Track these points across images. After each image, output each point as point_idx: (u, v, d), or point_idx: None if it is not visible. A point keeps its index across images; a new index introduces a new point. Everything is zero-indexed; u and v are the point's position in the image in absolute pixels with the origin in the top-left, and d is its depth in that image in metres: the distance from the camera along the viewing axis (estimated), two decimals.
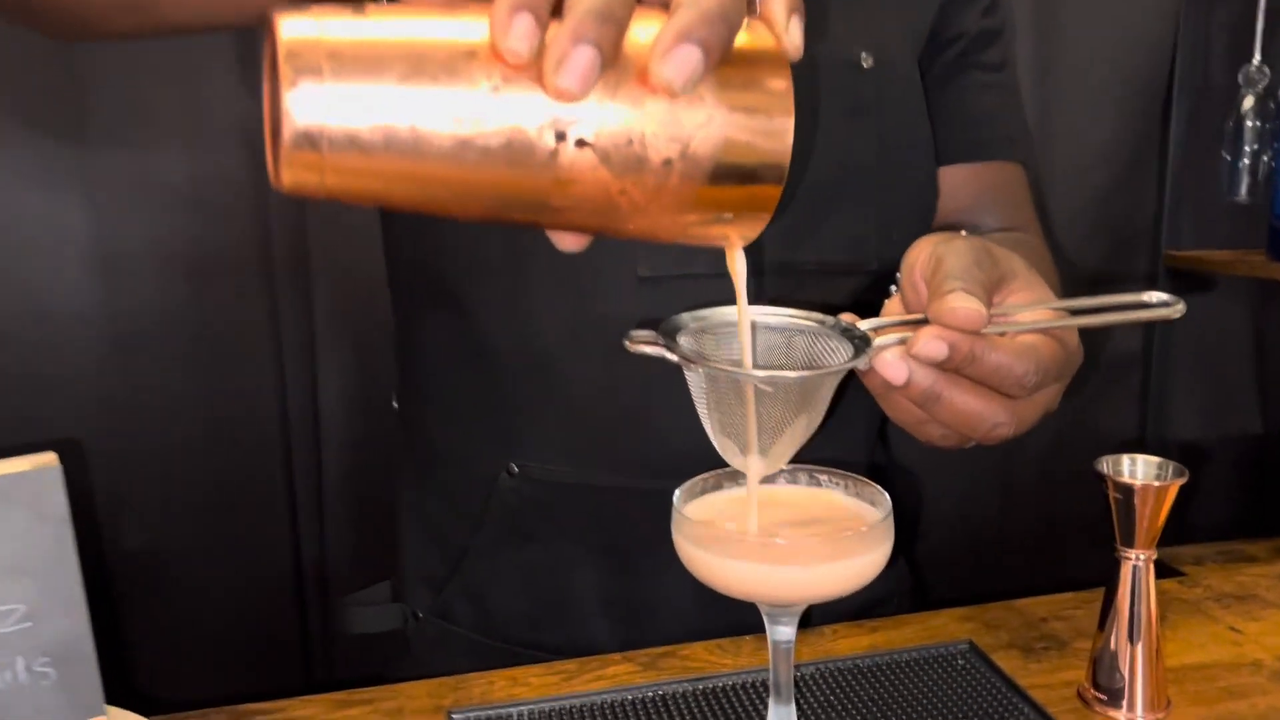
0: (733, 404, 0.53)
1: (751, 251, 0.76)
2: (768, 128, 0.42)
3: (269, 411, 1.40)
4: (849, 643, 0.74)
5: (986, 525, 1.63)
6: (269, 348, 1.39)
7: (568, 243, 0.45)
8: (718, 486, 0.59)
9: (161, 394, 1.36)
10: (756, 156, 0.42)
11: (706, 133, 0.41)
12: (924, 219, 0.83)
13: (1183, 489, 0.63)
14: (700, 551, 0.53)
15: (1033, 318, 0.56)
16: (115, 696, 0.63)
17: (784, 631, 0.57)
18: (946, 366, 0.53)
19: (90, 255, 1.31)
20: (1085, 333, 0.61)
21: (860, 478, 0.58)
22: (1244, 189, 1.62)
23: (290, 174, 0.39)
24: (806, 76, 0.74)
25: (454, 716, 0.64)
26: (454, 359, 0.83)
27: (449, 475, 0.86)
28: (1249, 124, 1.59)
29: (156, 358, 1.34)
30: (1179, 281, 1.64)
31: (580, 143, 0.39)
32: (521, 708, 0.65)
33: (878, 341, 0.54)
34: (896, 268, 0.59)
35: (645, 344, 0.52)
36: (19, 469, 0.53)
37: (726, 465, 0.57)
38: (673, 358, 0.52)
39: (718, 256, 0.77)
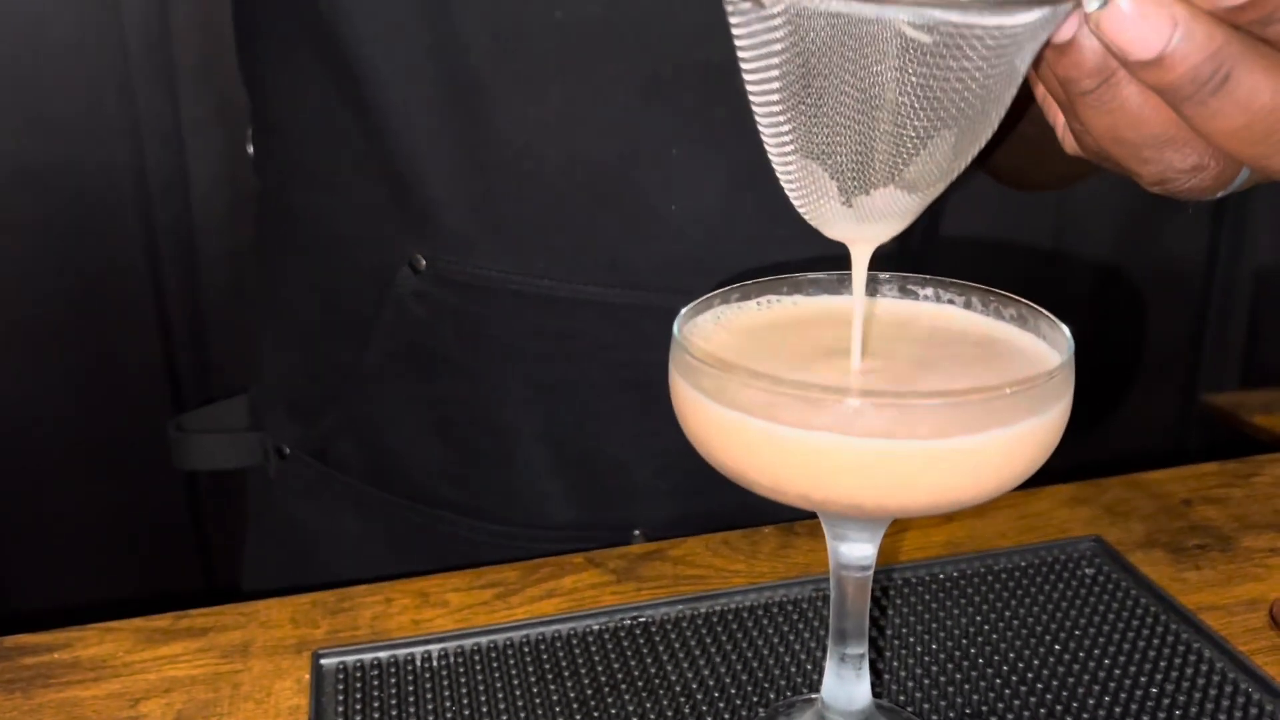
0: (836, 89, 0.28)
1: None
2: None
3: (130, 208, 1.13)
4: (918, 537, 0.51)
5: None
6: (125, 124, 1.12)
7: None
8: (746, 299, 0.35)
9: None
10: None
11: None
12: None
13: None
14: (730, 415, 0.28)
15: None
16: None
17: (859, 551, 0.33)
18: (1240, 20, 0.27)
19: None
20: None
21: (1005, 293, 0.33)
22: None
23: None
24: None
25: (323, 662, 0.41)
26: (323, 92, 0.55)
27: (321, 264, 0.60)
28: None
29: None
30: None
31: None
32: (429, 647, 0.42)
33: None
34: None
35: None
36: None
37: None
38: None
39: None
